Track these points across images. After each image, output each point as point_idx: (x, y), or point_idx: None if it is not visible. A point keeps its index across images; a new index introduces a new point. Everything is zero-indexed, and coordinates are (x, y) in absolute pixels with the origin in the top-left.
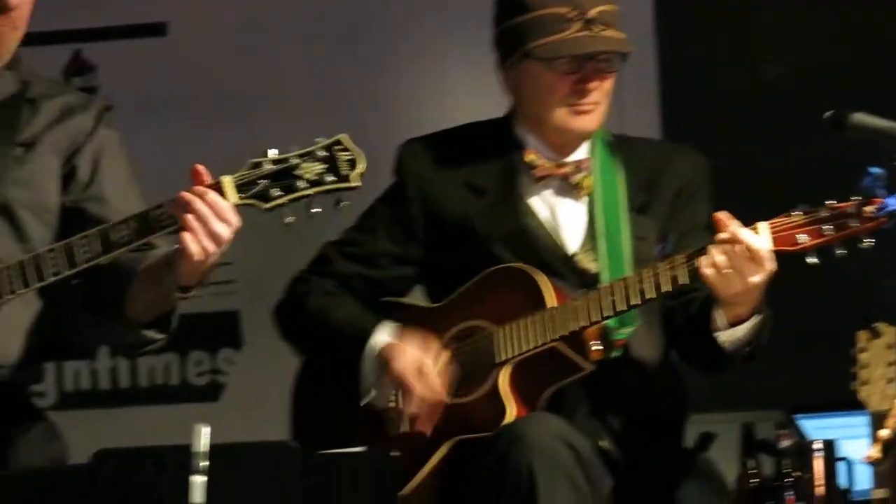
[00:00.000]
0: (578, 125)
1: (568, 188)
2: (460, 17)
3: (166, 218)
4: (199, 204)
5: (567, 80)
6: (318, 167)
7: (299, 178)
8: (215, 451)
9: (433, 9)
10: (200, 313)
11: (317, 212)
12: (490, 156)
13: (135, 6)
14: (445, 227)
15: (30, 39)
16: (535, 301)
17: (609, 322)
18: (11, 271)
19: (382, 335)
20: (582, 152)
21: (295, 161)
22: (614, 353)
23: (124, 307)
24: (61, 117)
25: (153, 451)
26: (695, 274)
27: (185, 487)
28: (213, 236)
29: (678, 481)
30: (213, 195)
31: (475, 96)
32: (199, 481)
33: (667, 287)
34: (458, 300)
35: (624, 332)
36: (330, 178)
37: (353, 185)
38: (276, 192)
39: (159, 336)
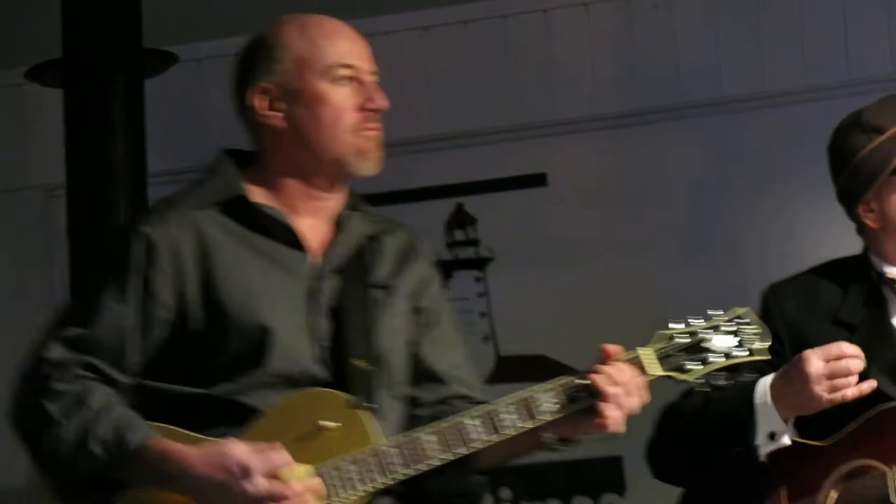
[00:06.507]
0: None
1: None
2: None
3: (587, 390)
4: (621, 378)
5: None
6: (728, 340)
7: (711, 350)
8: None
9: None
10: (584, 459)
11: (721, 383)
12: (851, 289)
13: (514, 158)
14: None
15: (413, 194)
16: None
17: None
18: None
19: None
20: None
21: (704, 334)
22: None
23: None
24: (404, 258)
25: None
26: None
27: None
28: (631, 409)
29: None
30: (631, 371)
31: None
32: None
33: None
34: (846, 439)
35: None
36: (740, 352)
37: (763, 359)
38: (692, 365)
39: (484, 483)
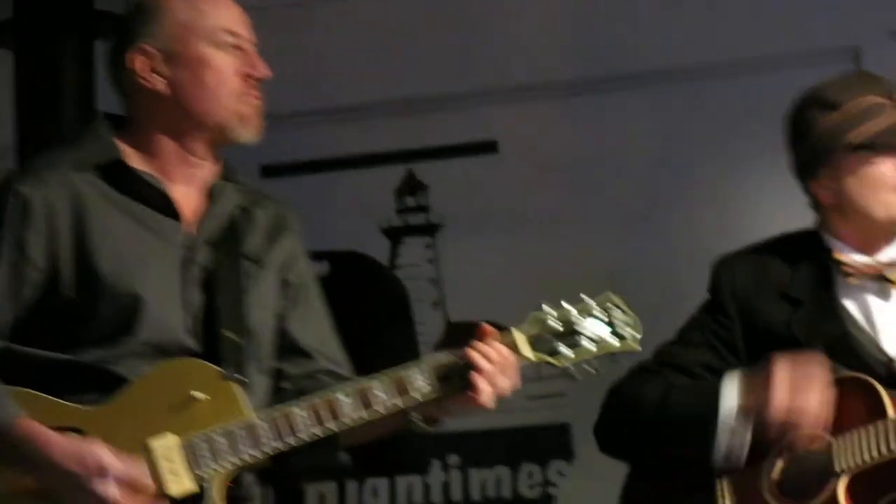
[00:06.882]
0: None
1: (881, 288)
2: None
3: (461, 368)
4: (496, 356)
5: (891, 164)
6: (600, 327)
7: (584, 336)
8: None
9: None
10: (531, 426)
11: (591, 371)
12: (801, 265)
13: (465, 125)
14: (766, 340)
15: (363, 160)
16: (875, 411)
17: None
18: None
19: (732, 391)
20: (894, 253)
21: (577, 319)
22: None
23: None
24: (275, 231)
25: None
26: None
27: None
28: (502, 389)
29: None
30: (506, 351)
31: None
32: None
33: None
34: None
35: None
36: (612, 339)
37: (634, 349)
38: (565, 350)
39: (348, 461)
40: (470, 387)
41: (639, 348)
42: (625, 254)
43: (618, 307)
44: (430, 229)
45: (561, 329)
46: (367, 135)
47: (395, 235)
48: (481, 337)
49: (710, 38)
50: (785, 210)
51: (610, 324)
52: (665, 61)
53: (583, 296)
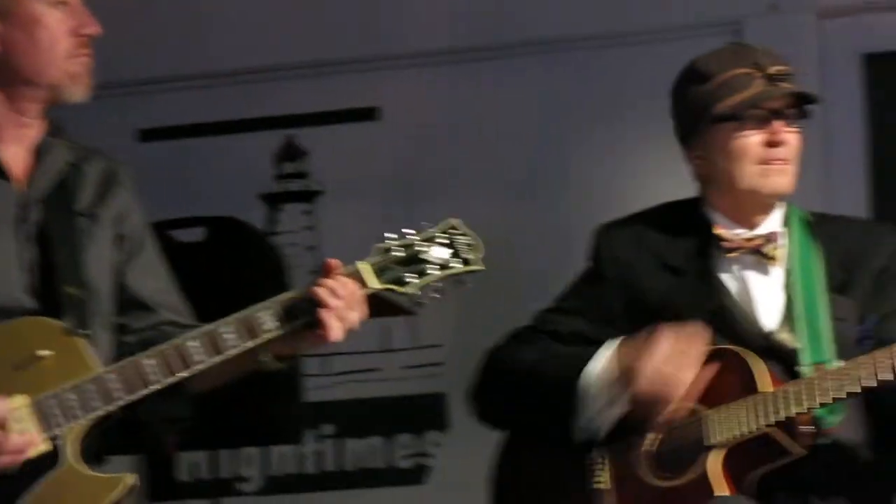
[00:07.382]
0: (770, 185)
1: (759, 262)
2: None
3: (308, 304)
4: (342, 291)
5: (756, 136)
6: (443, 252)
7: (428, 262)
8: None
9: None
10: (407, 396)
11: (437, 296)
12: (681, 235)
13: (346, 91)
14: (644, 308)
15: (242, 125)
16: (749, 385)
17: (819, 409)
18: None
19: (601, 358)
20: (773, 225)
21: (419, 247)
22: (823, 440)
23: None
24: (106, 186)
25: None
26: None
27: None
28: (351, 322)
29: None
30: (352, 285)
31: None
32: None
33: (887, 376)
34: None
35: (833, 419)
36: (456, 262)
37: (478, 269)
38: (410, 277)
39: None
40: (318, 323)
41: (482, 267)
42: (510, 222)
43: (459, 231)
44: (308, 196)
45: (404, 256)
46: (247, 100)
47: (273, 202)
48: (327, 272)
49: (594, 9)
50: (671, 180)
51: (452, 247)
52: (549, 30)
53: (424, 223)
